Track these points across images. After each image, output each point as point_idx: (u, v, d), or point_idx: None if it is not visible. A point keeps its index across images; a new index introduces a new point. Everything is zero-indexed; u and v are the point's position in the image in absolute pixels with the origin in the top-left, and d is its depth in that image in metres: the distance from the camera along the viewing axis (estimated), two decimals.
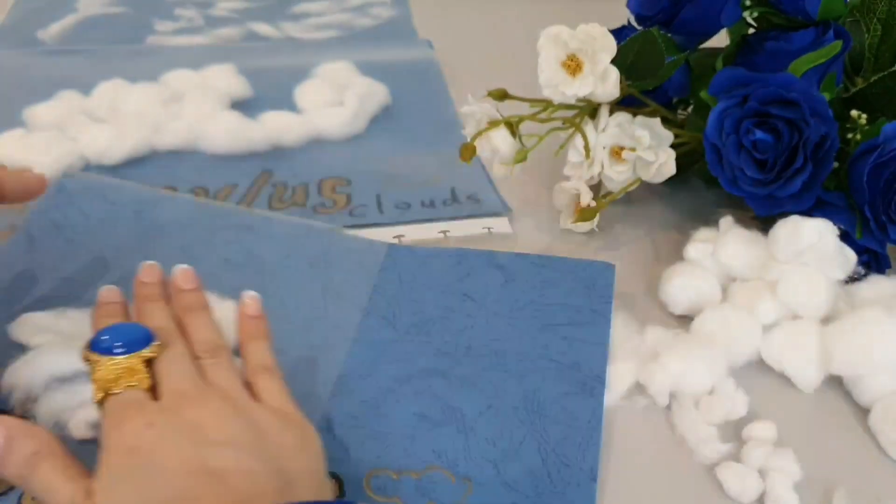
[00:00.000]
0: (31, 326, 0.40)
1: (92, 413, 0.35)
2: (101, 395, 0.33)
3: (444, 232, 0.53)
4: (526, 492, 0.35)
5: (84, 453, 0.32)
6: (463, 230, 0.53)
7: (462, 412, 0.39)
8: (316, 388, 0.40)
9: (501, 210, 0.55)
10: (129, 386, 0.33)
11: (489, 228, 0.53)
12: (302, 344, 0.42)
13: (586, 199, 0.51)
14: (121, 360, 0.34)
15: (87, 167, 0.56)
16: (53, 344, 0.38)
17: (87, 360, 0.34)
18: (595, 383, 0.41)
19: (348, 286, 0.46)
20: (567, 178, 0.53)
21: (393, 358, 0.42)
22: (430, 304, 0.45)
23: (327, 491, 0.32)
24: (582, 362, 0.42)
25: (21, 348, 0.39)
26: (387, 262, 0.48)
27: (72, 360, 0.36)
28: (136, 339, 0.35)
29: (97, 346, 0.34)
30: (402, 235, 0.52)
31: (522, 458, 0.37)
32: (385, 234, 0.52)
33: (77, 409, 0.36)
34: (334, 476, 0.35)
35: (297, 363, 0.40)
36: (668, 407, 0.41)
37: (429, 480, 0.36)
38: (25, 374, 0.36)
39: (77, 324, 0.40)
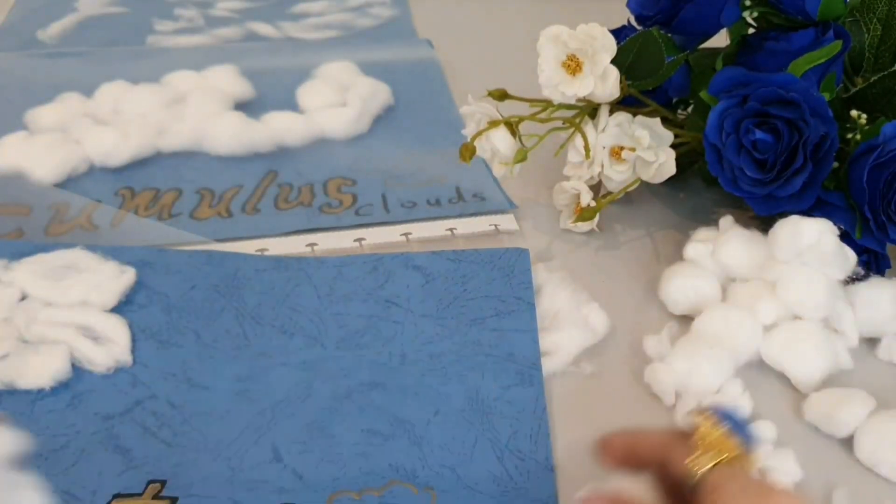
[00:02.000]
0: None
1: None
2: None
3: (452, 229, 0.53)
4: (490, 492, 0.36)
5: None
6: (470, 227, 0.53)
7: (410, 423, 0.39)
8: (254, 419, 0.39)
9: (507, 207, 0.55)
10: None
11: (496, 225, 0.53)
12: (229, 376, 0.41)
13: (586, 199, 0.51)
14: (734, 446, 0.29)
15: (92, 169, 0.57)
16: None
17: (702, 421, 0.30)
18: (532, 371, 0.41)
19: (264, 308, 0.45)
20: (567, 178, 0.53)
21: (328, 376, 0.41)
22: (354, 315, 0.44)
23: None
24: (516, 352, 0.42)
25: None
26: (300, 277, 0.46)
27: None
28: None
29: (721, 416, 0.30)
30: (410, 233, 0.52)
31: (479, 460, 0.37)
32: (392, 233, 0.52)
33: None
34: None
35: (228, 397, 0.40)
36: (673, 406, 0.41)
37: (391, 496, 0.35)
38: None
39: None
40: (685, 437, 0.29)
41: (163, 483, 0.36)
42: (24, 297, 0.44)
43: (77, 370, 0.41)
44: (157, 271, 0.46)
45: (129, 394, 0.40)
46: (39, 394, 0.39)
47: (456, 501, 0.35)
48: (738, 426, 0.30)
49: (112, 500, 0.35)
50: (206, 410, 0.39)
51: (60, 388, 0.40)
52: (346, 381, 0.41)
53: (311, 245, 0.51)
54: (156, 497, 0.35)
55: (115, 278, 0.45)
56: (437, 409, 0.39)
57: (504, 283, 0.46)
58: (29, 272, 0.45)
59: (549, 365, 0.42)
